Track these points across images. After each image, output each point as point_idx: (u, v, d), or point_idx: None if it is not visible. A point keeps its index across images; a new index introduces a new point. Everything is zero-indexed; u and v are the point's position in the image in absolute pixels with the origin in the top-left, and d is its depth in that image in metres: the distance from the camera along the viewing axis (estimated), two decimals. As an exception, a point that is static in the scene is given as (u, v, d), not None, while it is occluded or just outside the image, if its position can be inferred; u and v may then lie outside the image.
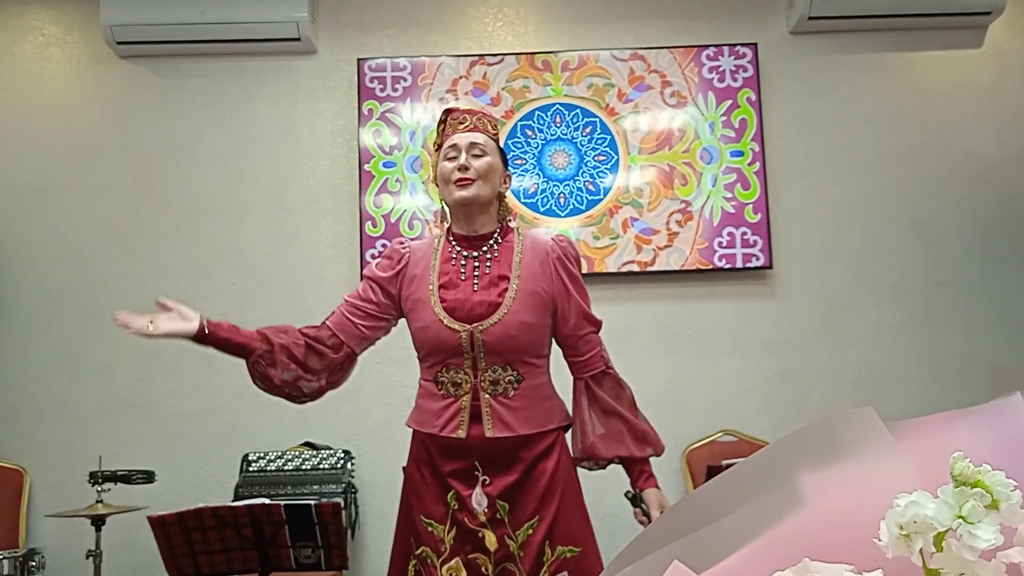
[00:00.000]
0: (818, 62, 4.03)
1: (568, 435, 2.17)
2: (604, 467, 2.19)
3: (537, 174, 3.91)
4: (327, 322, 2.15)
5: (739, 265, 3.84)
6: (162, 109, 4.02)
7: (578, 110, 3.94)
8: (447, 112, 2.19)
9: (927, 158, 3.99)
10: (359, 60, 3.96)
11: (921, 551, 0.57)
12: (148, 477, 3.13)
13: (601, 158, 3.92)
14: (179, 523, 2.49)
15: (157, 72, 4.04)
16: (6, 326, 3.89)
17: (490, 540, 2.01)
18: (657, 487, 2.12)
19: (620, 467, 2.16)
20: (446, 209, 2.18)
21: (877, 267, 3.92)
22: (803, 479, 0.63)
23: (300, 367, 2.08)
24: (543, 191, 3.90)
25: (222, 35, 3.89)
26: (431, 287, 2.09)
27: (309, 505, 2.50)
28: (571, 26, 4.07)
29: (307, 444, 3.69)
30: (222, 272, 3.91)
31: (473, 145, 2.10)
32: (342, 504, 2.73)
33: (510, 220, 2.22)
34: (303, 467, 3.53)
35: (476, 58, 3.97)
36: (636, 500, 2.12)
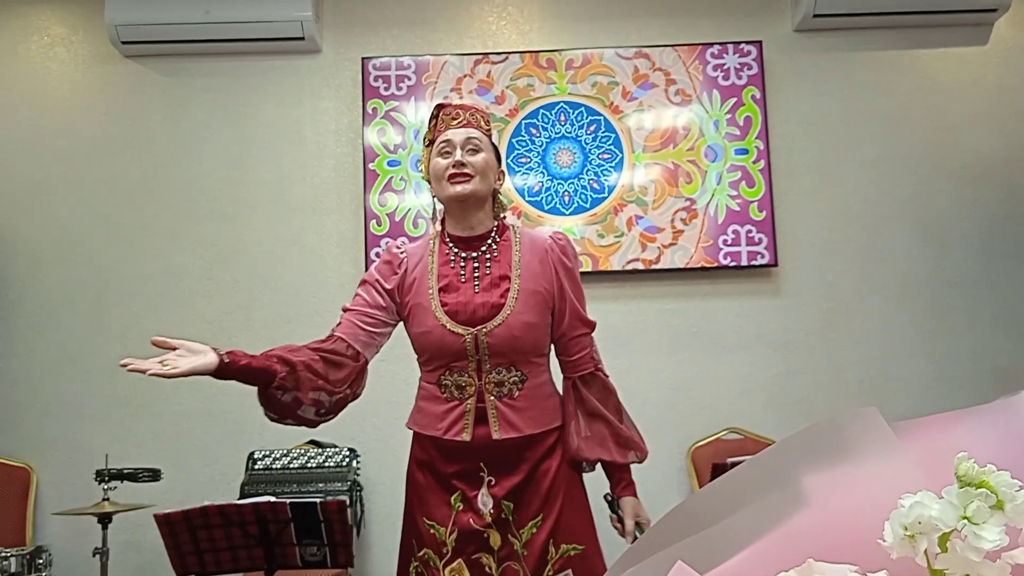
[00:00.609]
0: (823, 60, 4.02)
1: None
2: (592, 468, 2.17)
3: (541, 172, 3.91)
4: (337, 333, 2.04)
5: (744, 263, 3.84)
6: (167, 108, 4.03)
7: (582, 108, 3.94)
8: (439, 107, 2.14)
9: (932, 156, 3.98)
10: (363, 59, 3.96)
11: (926, 552, 0.57)
12: (154, 475, 3.14)
13: (605, 156, 3.91)
14: (185, 521, 2.50)
15: (162, 72, 4.04)
16: (13, 325, 3.90)
17: (494, 539, 2.01)
18: (635, 495, 2.12)
19: None
20: (439, 208, 2.15)
21: (882, 265, 3.92)
22: (807, 479, 0.63)
23: (325, 381, 1.95)
24: (547, 189, 3.90)
25: (227, 34, 3.89)
26: (431, 291, 2.06)
27: (315, 503, 2.51)
28: (575, 24, 4.07)
29: (312, 442, 3.70)
30: (227, 271, 3.92)
31: (468, 140, 2.07)
32: (347, 502, 2.73)
33: (504, 216, 2.18)
34: (308, 465, 3.54)
35: (480, 57, 3.97)
36: (613, 505, 2.12)
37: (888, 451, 0.64)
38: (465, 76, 3.95)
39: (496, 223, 2.15)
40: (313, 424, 2.00)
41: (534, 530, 2.02)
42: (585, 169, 3.91)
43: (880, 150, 3.98)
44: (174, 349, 1.81)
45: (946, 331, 3.88)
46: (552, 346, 2.16)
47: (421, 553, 2.05)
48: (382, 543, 3.65)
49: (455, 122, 2.10)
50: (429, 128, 2.15)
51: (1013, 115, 4.00)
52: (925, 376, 3.85)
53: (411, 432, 2.15)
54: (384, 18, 4.07)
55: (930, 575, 0.57)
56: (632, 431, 2.16)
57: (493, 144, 2.15)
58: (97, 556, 3.01)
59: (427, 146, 2.15)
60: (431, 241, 2.15)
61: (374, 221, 3.87)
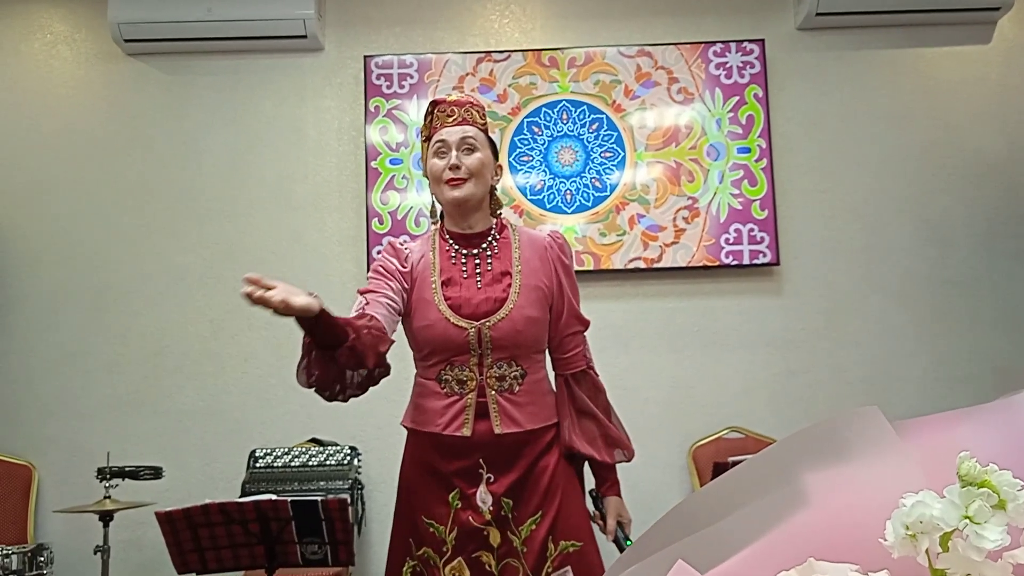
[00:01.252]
0: (825, 58, 4.02)
1: None
2: (584, 461, 2.17)
3: (544, 171, 3.91)
4: (370, 311, 1.95)
5: (746, 262, 3.84)
6: (169, 107, 4.03)
7: (585, 107, 3.93)
8: (434, 103, 2.14)
9: (935, 155, 3.97)
10: (366, 57, 3.96)
11: (927, 551, 0.57)
12: (156, 473, 3.14)
13: (608, 155, 3.91)
14: (186, 519, 2.50)
15: (164, 70, 4.04)
16: (14, 324, 3.90)
17: (494, 537, 2.01)
18: (619, 495, 2.14)
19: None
20: (438, 206, 2.16)
21: (884, 264, 3.91)
22: (808, 479, 0.63)
23: (374, 354, 1.87)
24: (550, 188, 3.90)
25: (229, 33, 3.89)
26: (433, 286, 2.07)
27: (316, 501, 2.51)
28: (578, 23, 4.07)
29: (314, 440, 3.70)
30: (228, 270, 3.92)
31: (463, 141, 2.07)
32: (348, 500, 2.73)
33: (500, 212, 2.19)
34: (310, 463, 3.54)
35: (483, 55, 3.97)
36: (597, 503, 2.14)
37: (889, 450, 0.64)
38: (467, 74, 3.95)
39: (495, 221, 2.16)
40: (345, 395, 1.93)
41: (533, 527, 2.02)
42: (587, 168, 3.90)
43: (882, 149, 3.97)
44: (271, 288, 1.70)
45: (947, 330, 3.88)
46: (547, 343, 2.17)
47: (421, 552, 2.05)
48: (383, 541, 3.63)
49: (450, 119, 2.10)
50: (425, 124, 2.15)
51: (1015, 114, 3.99)
52: (926, 375, 3.85)
53: None
54: (386, 16, 4.07)
55: (931, 575, 0.57)
56: (620, 430, 2.17)
57: (490, 139, 2.15)
58: (98, 554, 3.01)
59: (424, 141, 2.15)
60: (431, 238, 2.16)
61: (376, 219, 3.87)
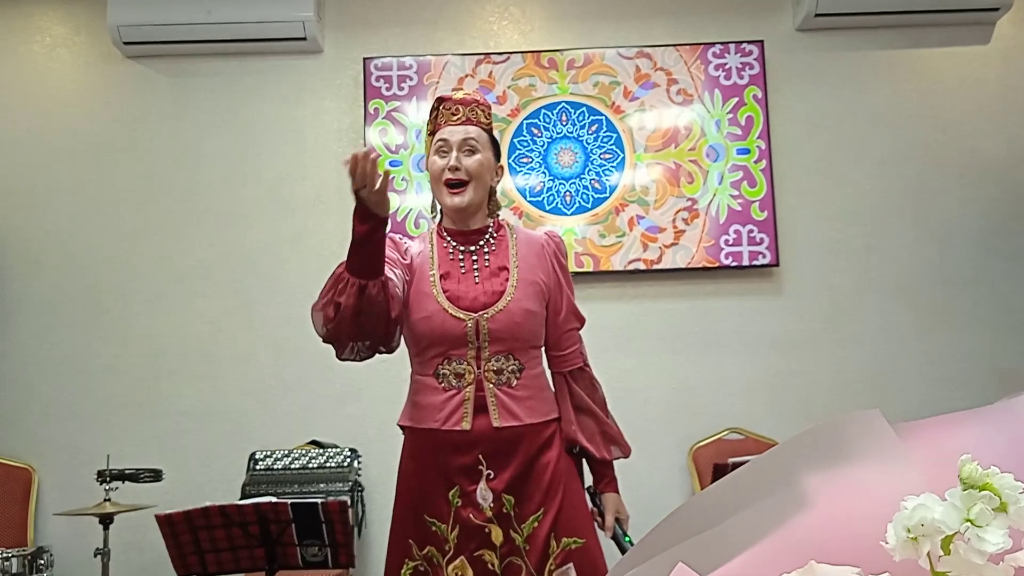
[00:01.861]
0: (824, 59, 4.02)
1: None
2: (582, 458, 2.18)
3: (543, 172, 3.91)
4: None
5: (745, 263, 3.84)
6: (168, 109, 4.03)
7: (584, 108, 3.94)
8: (439, 100, 2.14)
9: (934, 155, 3.97)
10: (365, 59, 3.96)
11: (928, 554, 0.57)
12: (156, 476, 3.14)
13: (607, 156, 3.91)
14: (186, 521, 2.50)
15: (164, 72, 4.04)
16: (13, 326, 3.90)
17: (496, 535, 2.00)
18: (616, 492, 2.16)
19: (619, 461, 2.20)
20: (438, 204, 2.16)
21: (884, 265, 3.91)
22: (809, 481, 0.63)
23: (399, 304, 1.96)
24: (549, 189, 3.90)
25: (228, 35, 3.89)
26: (432, 279, 2.08)
27: (316, 503, 2.51)
28: (577, 24, 4.07)
29: (314, 443, 3.70)
30: (227, 272, 3.92)
31: (464, 142, 2.07)
32: (349, 502, 2.73)
33: (498, 214, 2.19)
34: (310, 466, 3.54)
35: (482, 56, 3.97)
36: (595, 500, 2.15)
37: (891, 453, 0.64)
38: (467, 76, 3.95)
39: (492, 219, 2.17)
40: (353, 340, 1.97)
41: (535, 524, 2.01)
42: (586, 169, 3.90)
43: (882, 150, 3.97)
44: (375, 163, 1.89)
45: (948, 330, 3.88)
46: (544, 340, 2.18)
47: (424, 551, 2.05)
48: (383, 543, 3.62)
49: (455, 118, 2.10)
50: (429, 119, 2.16)
51: (1015, 115, 4.00)
52: (926, 376, 3.84)
53: None
54: (385, 18, 4.07)
55: (933, 577, 0.57)
56: (616, 428, 2.19)
57: (493, 139, 2.15)
58: (98, 557, 3.01)
59: (428, 136, 2.16)
60: (429, 235, 2.18)
61: (375, 221, 3.86)
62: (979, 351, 3.85)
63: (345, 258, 1.94)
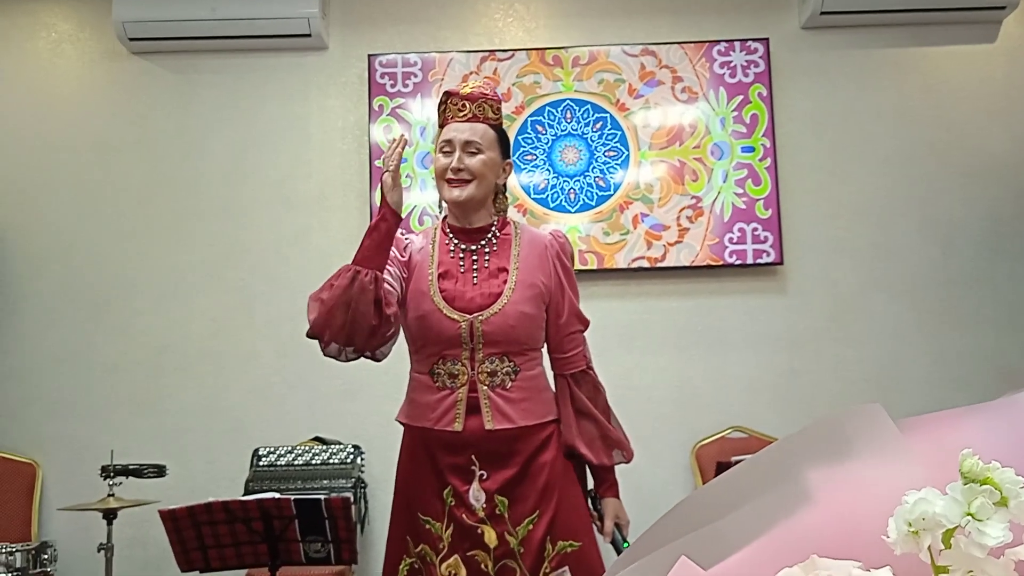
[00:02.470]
0: (830, 57, 4.01)
1: None
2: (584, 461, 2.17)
3: (547, 170, 3.91)
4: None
5: (750, 261, 3.83)
6: (173, 105, 4.03)
7: (588, 106, 3.93)
8: (447, 94, 2.11)
9: (939, 154, 3.97)
10: (370, 56, 3.96)
11: (929, 548, 0.57)
12: (159, 471, 3.15)
13: (611, 154, 3.91)
14: (190, 517, 2.50)
15: (169, 69, 4.05)
16: (17, 322, 3.91)
17: (489, 537, 1.98)
18: (617, 497, 2.13)
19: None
20: (443, 202, 2.15)
21: (888, 264, 3.91)
22: (811, 475, 0.63)
23: (387, 304, 1.94)
24: (553, 187, 3.90)
25: (233, 31, 3.89)
26: (430, 278, 2.07)
27: (319, 499, 2.51)
28: (581, 21, 4.07)
29: (317, 439, 3.71)
30: (231, 269, 3.92)
31: (469, 143, 2.04)
32: (352, 499, 2.74)
33: (504, 211, 2.16)
34: (313, 462, 3.54)
35: (486, 54, 3.97)
36: (595, 504, 2.13)
37: (892, 448, 0.64)
38: (471, 73, 3.95)
39: (496, 218, 2.15)
40: (346, 356, 1.99)
41: (531, 527, 1.99)
42: (591, 167, 3.90)
43: (887, 148, 3.97)
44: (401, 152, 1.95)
45: (952, 330, 3.87)
46: (546, 343, 2.16)
47: (419, 549, 2.04)
48: (385, 540, 3.65)
49: (461, 114, 2.08)
50: (439, 113, 2.14)
51: (1020, 114, 3.99)
52: (930, 375, 3.84)
53: None
54: (390, 15, 4.07)
55: (934, 571, 0.57)
56: (619, 432, 2.16)
57: (501, 134, 2.12)
58: (102, 552, 3.02)
59: (440, 127, 2.14)
60: (433, 231, 2.17)
61: (379, 218, 3.86)
62: (983, 350, 3.85)
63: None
